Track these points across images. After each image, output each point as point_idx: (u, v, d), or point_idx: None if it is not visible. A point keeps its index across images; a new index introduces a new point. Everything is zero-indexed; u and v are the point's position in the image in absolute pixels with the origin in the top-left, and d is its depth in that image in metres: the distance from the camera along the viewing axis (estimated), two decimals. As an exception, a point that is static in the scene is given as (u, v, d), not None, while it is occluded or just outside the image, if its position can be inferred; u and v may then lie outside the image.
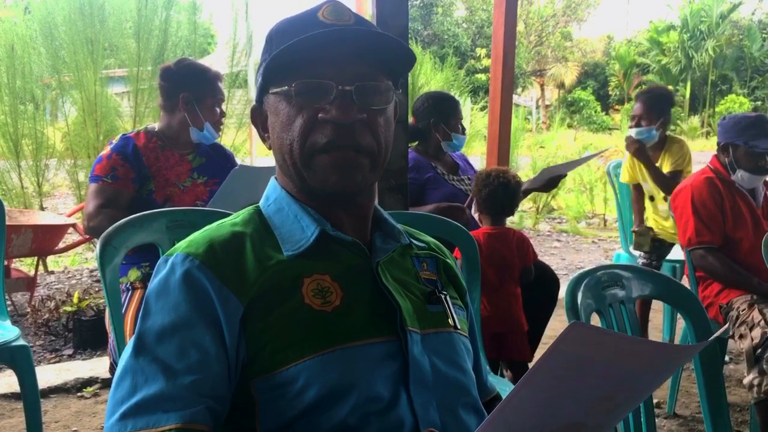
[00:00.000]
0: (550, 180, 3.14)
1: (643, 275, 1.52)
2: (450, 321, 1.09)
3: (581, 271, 1.46)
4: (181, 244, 1.02)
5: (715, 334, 0.84)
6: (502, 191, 2.74)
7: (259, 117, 1.11)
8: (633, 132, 3.73)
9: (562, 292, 3.21)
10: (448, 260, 1.21)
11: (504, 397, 1.21)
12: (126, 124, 5.61)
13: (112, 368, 2.23)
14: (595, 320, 1.46)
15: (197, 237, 1.03)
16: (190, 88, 2.52)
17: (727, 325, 1.55)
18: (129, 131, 2.64)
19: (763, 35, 33.61)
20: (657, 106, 3.69)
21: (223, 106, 2.65)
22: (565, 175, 3.38)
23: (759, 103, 32.30)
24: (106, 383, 3.18)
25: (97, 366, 3.38)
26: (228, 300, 0.96)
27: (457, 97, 3.51)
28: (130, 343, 0.97)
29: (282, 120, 1.03)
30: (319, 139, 1.00)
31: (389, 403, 0.96)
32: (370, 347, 0.98)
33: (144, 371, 0.93)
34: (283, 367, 0.94)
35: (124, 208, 2.41)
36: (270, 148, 1.10)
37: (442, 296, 1.11)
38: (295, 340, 0.95)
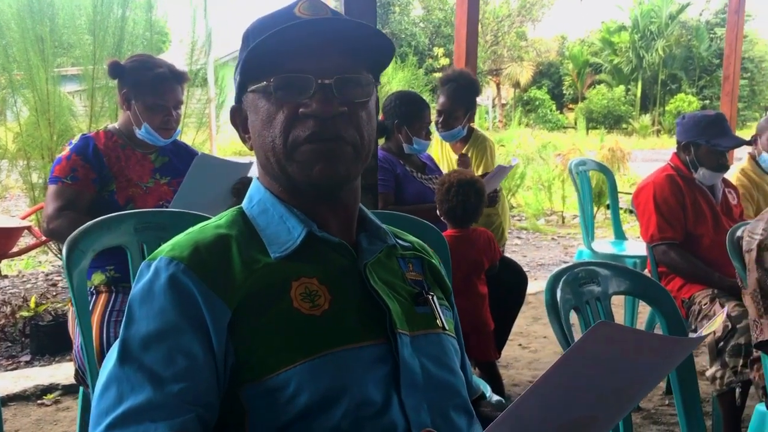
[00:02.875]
0: (489, 198, 3.12)
1: (619, 272, 1.54)
2: (438, 322, 1.09)
3: (560, 267, 1.47)
4: (164, 248, 1.00)
5: (714, 322, 0.86)
6: (466, 200, 2.72)
7: (238, 117, 1.09)
8: (440, 136, 3.47)
9: (530, 289, 3.26)
10: (433, 261, 1.20)
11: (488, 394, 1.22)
12: (81, 124, 5.48)
13: (78, 374, 2.17)
14: (573, 317, 1.47)
15: (181, 240, 1.00)
16: (129, 84, 2.44)
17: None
18: (88, 131, 2.55)
19: (711, 35, 34.52)
20: (463, 100, 3.41)
21: (180, 110, 2.51)
22: (499, 190, 3.34)
23: (707, 102, 33.16)
24: (67, 390, 3.09)
25: (56, 372, 3.29)
26: (215, 305, 0.94)
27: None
28: (113, 351, 0.95)
29: (262, 117, 1.02)
30: (301, 133, 0.99)
31: (382, 406, 0.95)
32: (361, 351, 0.97)
33: (130, 380, 0.90)
34: (273, 373, 0.93)
35: (84, 210, 2.35)
36: (251, 149, 1.07)
37: (430, 297, 1.10)
38: (284, 346, 0.94)
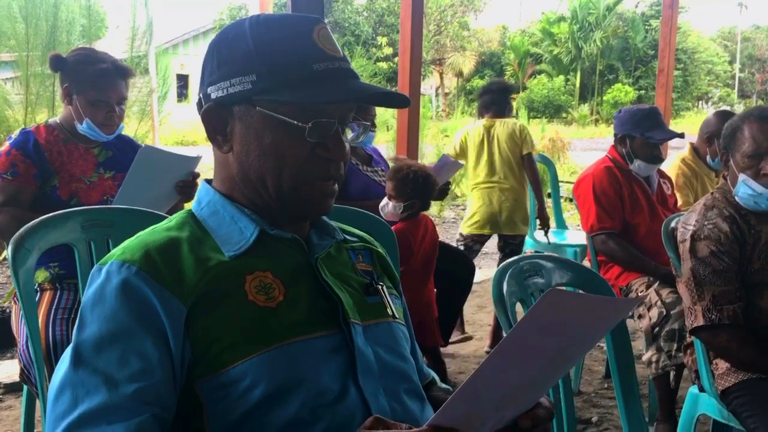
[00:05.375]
0: (439, 191, 3.21)
1: (562, 264, 1.61)
2: (388, 311, 1.13)
3: (506, 261, 1.52)
4: (115, 252, 1.00)
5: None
6: (425, 186, 2.80)
7: (216, 118, 1.05)
8: None
9: (475, 278, 3.34)
10: (380, 250, 1.25)
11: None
12: (17, 114, 5.31)
13: (23, 373, 2.13)
14: (519, 309, 1.53)
15: (131, 243, 1.01)
16: (71, 79, 2.38)
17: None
18: (27, 126, 2.49)
19: (646, 27, 35.48)
20: None
21: (123, 106, 2.46)
22: (450, 183, 3.47)
23: (643, 92, 34.10)
24: (9, 388, 3.02)
25: (-3, 371, 3.20)
26: (170, 303, 0.95)
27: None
28: (65, 355, 0.95)
29: (267, 142, 1.01)
30: (315, 173, 1.03)
31: (339, 395, 0.99)
32: (315, 341, 1.01)
33: (84, 383, 0.91)
34: (229, 366, 0.95)
35: (26, 206, 2.30)
36: (225, 153, 1.06)
37: (379, 287, 1.15)
38: (240, 338, 0.96)
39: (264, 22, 1.04)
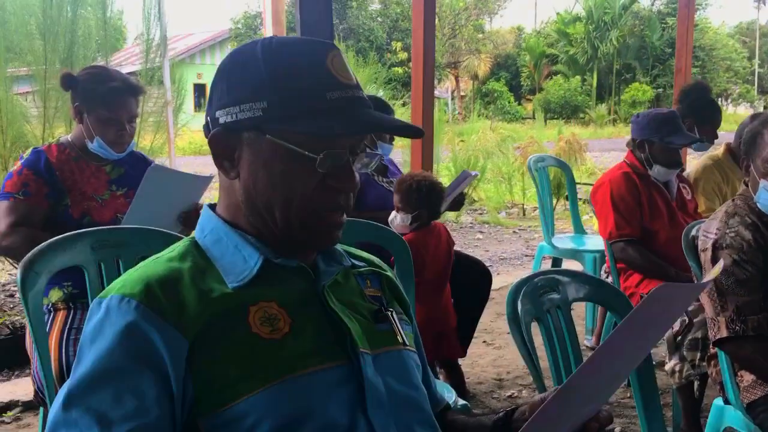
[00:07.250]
0: (453, 202, 3.18)
1: (579, 279, 1.56)
2: (399, 338, 1.10)
3: (520, 278, 1.49)
4: (115, 285, 0.98)
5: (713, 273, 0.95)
6: (430, 195, 2.77)
7: (224, 143, 1.02)
8: None
9: (494, 285, 3.30)
10: (389, 274, 1.22)
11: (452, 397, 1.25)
12: (35, 129, 5.34)
13: (37, 395, 2.13)
14: (535, 328, 1.49)
15: (131, 276, 0.99)
16: (82, 97, 2.38)
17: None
18: (42, 143, 2.50)
19: (662, 25, 35.12)
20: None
21: (134, 123, 2.45)
22: (465, 194, 3.45)
23: (660, 90, 33.76)
24: (28, 406, 3.02)
25: (16, 389, 3.21)
26: (172, 338, 0.92)
27: (379, 93, 3.51)
28: (60, 393, 0.92)
29: (276, 172, 0.99)
30: (326, 203, 1.01)
31: (348, 429, 0.96)
32: (323, 373, 0.98)
33: (77, 423, 0.88)
34: (232, 402, 0.92)
35: (38, 226, 2.30)
36: (232, 179, 1.03)
37: (389, 313, 1.11)
38: (244, 374, 0.93)
39: (276, 47, 1.01)
